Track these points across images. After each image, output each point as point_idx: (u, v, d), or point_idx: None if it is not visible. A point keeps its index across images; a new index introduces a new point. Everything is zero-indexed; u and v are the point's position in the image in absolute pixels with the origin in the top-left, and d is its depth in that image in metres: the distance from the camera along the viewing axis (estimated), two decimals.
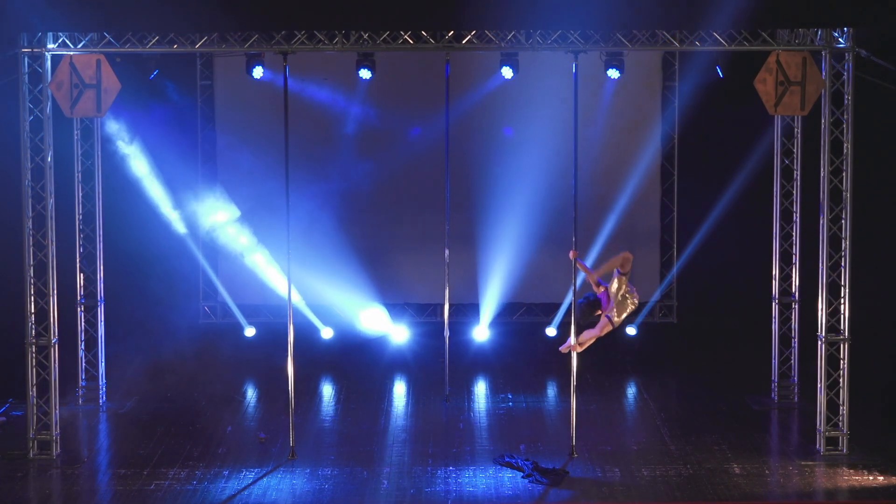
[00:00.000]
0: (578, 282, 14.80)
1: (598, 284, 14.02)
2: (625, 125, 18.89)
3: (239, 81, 18.03)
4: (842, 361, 14.86)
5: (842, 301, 14.79)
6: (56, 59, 14.47)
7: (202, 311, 19.44)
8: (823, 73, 14.49)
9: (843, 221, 14.71)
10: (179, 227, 18.66)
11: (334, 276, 19.10)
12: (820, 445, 14.90)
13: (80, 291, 16.73)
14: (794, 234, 16.71)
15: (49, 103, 14.49)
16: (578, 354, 14.83)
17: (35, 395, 14.75)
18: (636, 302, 13.96)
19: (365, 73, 15.94)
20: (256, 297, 19.31)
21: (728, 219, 18.75)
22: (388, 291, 19.21)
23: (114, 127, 17.77)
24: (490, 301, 19.13)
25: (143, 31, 14.53)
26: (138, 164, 18.27)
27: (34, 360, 14.75)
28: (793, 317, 16.84)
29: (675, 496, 13.58)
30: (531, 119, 18.86)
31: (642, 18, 14.42)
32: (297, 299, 18.38)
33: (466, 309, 19.26)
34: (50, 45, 14.46)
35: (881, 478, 14.08)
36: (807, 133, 16.11)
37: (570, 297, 15.09)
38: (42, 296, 14.71)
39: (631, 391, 17.90)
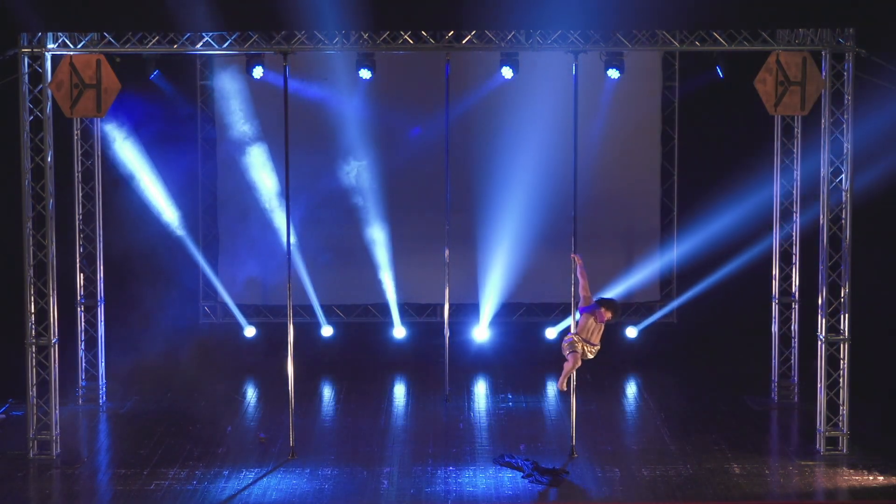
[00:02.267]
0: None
1: (586, 298, 14.00)
2: (625, 125, 18.89)
3: (239, 81, 18.02)
4: (842, 361, 14.86)
5: (842, 301, 14.79)
6: (56, 59, 14.47)
7: (202, 311, 19.43)
8: (823, 73, 14.49)
9: (843, 221, 14.71)
10: (177, 228, 18.63)
11: (334, 276, 19.12)
12: (820, 445, 14.90)
13: (79, 291, 16.74)
14: (794, 234, 16.72)
15: (49, 103, 14.49)
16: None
17: (35, 395, 14.75)
18: (581, 349, 13.92)
19: (365, 73, 15.94)
20: (256, 297, 19.31)
21: (728, 219, 18.73)
22: (389, 291, 19.19)
23: (113, 127, 17.78)
24: (490, 301, 19.12)
25: (143, 30, 14.53)
26: (138, 164, 18.27)
27: (34, 360, 14.75)
28: (793, 317, 16.85)
29: (675, 496, 13.59)
30: (531, 118, 18.86)
31: (642, 18, 14.46)
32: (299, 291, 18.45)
33: (466, 309, 19.26)
34: (50, 45, 14.45)
35: (881, 478, 14.08)
36: (807, 133, 16.12)
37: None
38: (42, 296, 14.71)
39: (631, 391, 17.91)
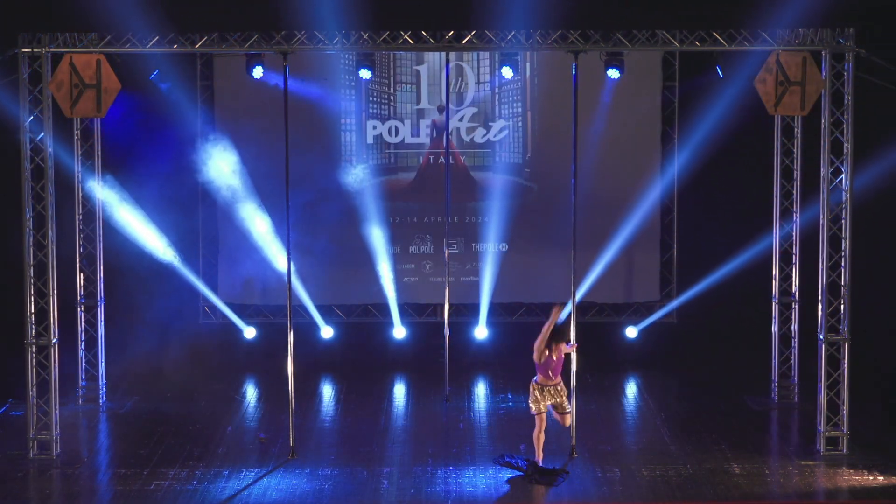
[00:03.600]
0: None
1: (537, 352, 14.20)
2: (625, 125, 18.89)
3: (239, 81, 18.02)
4: (842, 361, 14.85)
5: (842, 301, 14.79)
6: (56, 59, 14.47)
7: (202, 310, 19.42)
8: (823, 73, 14.49)
9: (843, 221, 14.71)
10: (168, 254, 18.54)
11: (334, 276, 19.11)
12: (820, 445, 14.90)
13: (80, 291, 16.74)
14: (794, 234, 16.72)
15: (49, 103, 14.49)
16: (578, 353, 14.84)
17: (35, 395, 14.75)
18: (542, 404, 14.17)
19: (365, 73, 15.95)
20: (256, 297, 19.30)
21: (728, 219, 18.75)
22: (389, 291, 19.19)
23: (113, 127, 17.79)
24: (489, 301, 19.13)
25: (143, 31, 14.54)
26: (138, 164, 18.27)
27: (34, 360, 14.76)
28: (793, 317, 16.85)
29: (675, 496, 13.58)
30: (533, 118, 18.89)
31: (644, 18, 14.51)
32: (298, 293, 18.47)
33: (467, 309, 19.26)
34: (50, 46, 14.44)
35: (881, 478, 14.08)
36: (807, 133, 16.12)
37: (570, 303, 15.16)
38: (42, 296, 14.71)
39: (631, 391, 17.91)
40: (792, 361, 17.00)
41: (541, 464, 14.12)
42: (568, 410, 14.27)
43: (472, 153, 19.10)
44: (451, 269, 17.50)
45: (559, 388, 14.13)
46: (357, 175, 18.83)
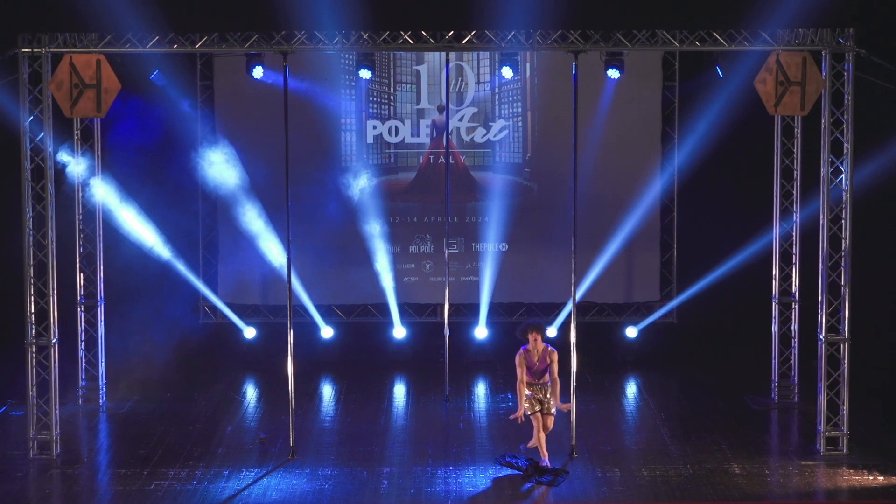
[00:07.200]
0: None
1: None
2: (625, 125, 18.89)
3: (239, 81, 18.03)
4: (842, 361, 14.85)
5: (842, 301, 14.79)
6: (56, 59, 14.46)
7: (202, 310, 19.42)
8: (823, 73, 14.49)
9: (843, 221, 14.71)
10: (164, 251, 18.50)
11: (334, 276, 19.11)
12: (820, 445, 14.90)
13: (80, 291, 16.74)
14: (794, 234, 16.72)
15: (49, 103, 14.48)
16: (578, 353, 14.85)
17: (35, 395, 14.75)
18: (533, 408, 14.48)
19: (365, 73, 15.95)
20: (256, 297, 19.30)
21: (728, 219, 18.75)
22: (389, 291, 19.19)
23: (113, 127, 17.78)
24: (490, 301, 19.13)
25: (142, 31, 14.54)
26: (138, 164, 18.26)
27: (34, 360, 14.75)
28: (793, 317, 16.85)
29: (675, 496, 13.58)
30: (533, 118, 18.89)
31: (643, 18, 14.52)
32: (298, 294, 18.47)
33: (466, 309, 19.25)
34: (50, 45, 14.43)
35: (881, 478, 14.09)
36: (807, 133, 16.12)
37: (570, 302, 15.16)
38: (42, 296, 14.71)
39: (631, 391, 17.91)
40: (792, 361, 17.00)
41: (543, 464, 14.12)
42: (552, 412, 14.30)
43: (472, 153, 19.11)
44: (451, 269, 17.49)
45: (545, 388, 14.24)
46: (359, 183, 18.78)
